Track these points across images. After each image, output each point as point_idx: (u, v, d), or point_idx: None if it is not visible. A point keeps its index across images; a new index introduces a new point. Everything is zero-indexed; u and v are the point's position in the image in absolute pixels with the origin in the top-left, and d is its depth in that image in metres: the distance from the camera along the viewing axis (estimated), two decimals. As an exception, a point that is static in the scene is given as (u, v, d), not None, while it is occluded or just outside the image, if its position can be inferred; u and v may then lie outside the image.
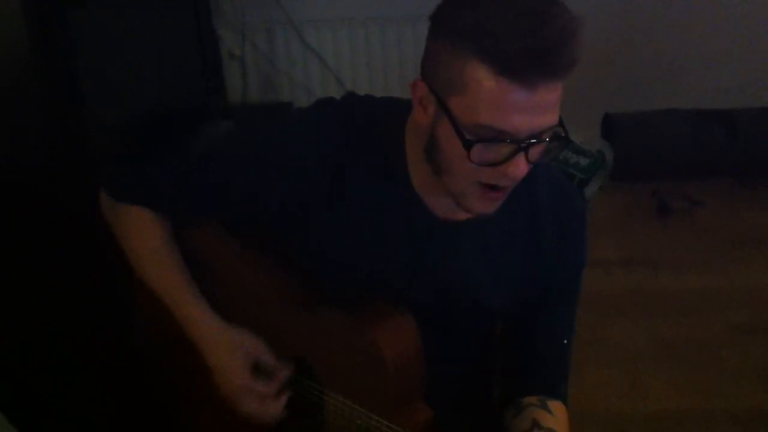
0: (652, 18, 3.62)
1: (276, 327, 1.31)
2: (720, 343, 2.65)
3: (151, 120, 2.33)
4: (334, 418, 1.29)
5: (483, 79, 0.97)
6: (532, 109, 0.98)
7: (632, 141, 3.69)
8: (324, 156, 1.18)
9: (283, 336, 1.31)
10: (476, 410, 1.39)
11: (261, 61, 3.61)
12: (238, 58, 3.57)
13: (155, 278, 1.34)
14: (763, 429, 2.30)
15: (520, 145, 1.00)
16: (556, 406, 1.28)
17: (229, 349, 1.30)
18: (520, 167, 1.02)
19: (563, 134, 1.05)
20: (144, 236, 1.33)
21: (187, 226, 1.36)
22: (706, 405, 2.40)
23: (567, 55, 0.96)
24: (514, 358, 1.33)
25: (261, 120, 1.28)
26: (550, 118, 1.01)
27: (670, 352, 2.63)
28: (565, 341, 1.33)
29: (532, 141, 1.01)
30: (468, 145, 1.00)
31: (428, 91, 1.05)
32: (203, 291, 1.34)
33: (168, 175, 1.29)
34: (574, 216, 1.28)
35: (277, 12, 3.45)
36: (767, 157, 3.60)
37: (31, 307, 1.87)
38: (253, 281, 1.33)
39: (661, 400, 2.42)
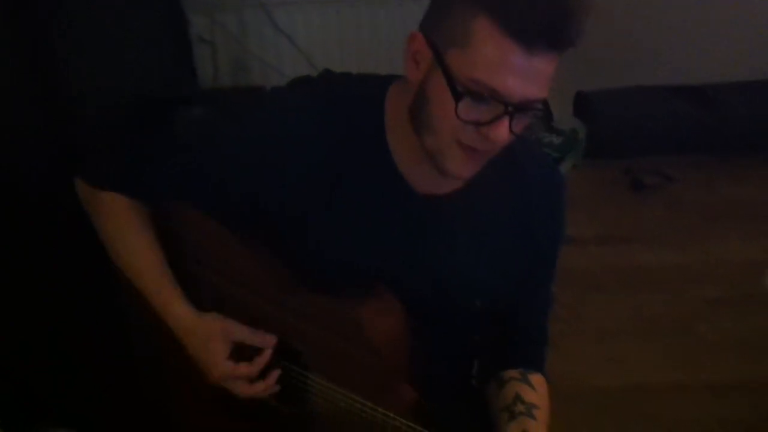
0: (622, -6, 3.63)
1: (264, 314, 1.30)
2: (696, 316, 2.69)
3: (122, 107, 2.30)
4: (323, 404, 1.28)
5: (488, 34, 0.99)
6: (527, 75, 1.00)
7: (605, 118, 3.71)
8: (302, 138, 1.16)
9: (272, 323, 1.30)
10: (468, 392, 1.39)
11: (231, 45, 3.57)
12: (208, 42, 3.52)
13: (131, 268, 1.32)
14: (740, 400, 2.33)
15: (508, 108, 1.01)
16: (537, 379, 1.30)
17: (203, 340, 1.29)
18: (502, 132, 1.03)
19: (546, 114, 1.06)
20: (121, 224, 1.31)
21: (171, 213, 1.34)
22: (684, 378, 2.43)
23: (570, 29, 0.99)
24: (495, 331, 1.34)
25: (237, 103, 1.26)
26: (540, 90, 1.02)
27: (648, 327, 2.66)
28: (545, 315, 1.36)
29: (520, 108, 1.02)
30: (458, 98, 1.02)
31: (425, 44, 1.06)
32: (188, 278, 1.32)
33: (144, 161, 1.26)
34: (560, 192, 1.30)
35: (247, -6, 3.42)
36: (741, 132, 3.64)
37: (21, 301, 1.84)
38: (238, 268, 1.31)
39: (640, 374, 2.45)
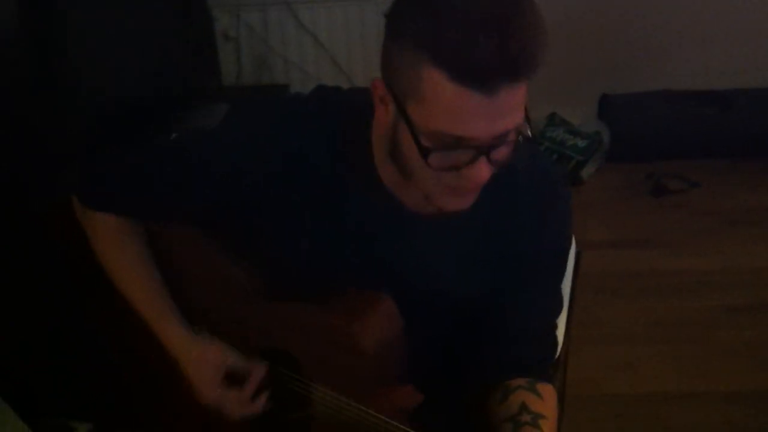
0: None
1: (259, 322, 1.31)
2: (715, 323, 2.66)
3: (143, 103, 2.32)
4: (321, 410, 1.28)
5: (440, 86, 0.93)
6: (493, 114, 0.94)
7: (629, 122, 3.70)
8: (293, 156, 1.15)
9: (266, 331, 1.31)
10: (463, 396, 1.37)
11: (255, 42, 3.59)
12: (232, 39, 3.55)
13: (125, 285, 1.34)
14: (759, 408, 2.31)
15: (480, 149, 0.98)
16: (544, 388, 1.23)
17: (197, 365, 1.30)
18: (481, 172, 0.99)
19: (527, 134, 1.02)
20: (113, 243, 1.33)
21: (161, 226, 1.35)
22: (701, 385, 2.40)
23: (527, 59, 0.92)
24: (499, 340, 1.28)
25: (231, 117, 1.25)
26: (512, 120, 0.97)
27: (666, 333, 2.64)
28: (550, 322, 1.30)
29: (493, 145, 0.98)
30: (425, 153, 0.98)
31: (387, 92, 1.01)
32: (180, 291, 1.34)
33: (136, 181, 1.27)
34: (556, 197, 1.24)
35: (272, -8, 3.43)
36: (762, 137, 3.60)
37: (24, 300, 1.86)
38: (231, 278, 1.32)
39: (656, 380, 2.43)
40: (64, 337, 1.92)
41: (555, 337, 1.31)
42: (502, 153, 1.00)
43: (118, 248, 1.32)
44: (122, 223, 1.31)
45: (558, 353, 1.50)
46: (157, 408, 1.49)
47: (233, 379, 1.30)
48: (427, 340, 1.27)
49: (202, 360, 1.30)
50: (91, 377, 1.77)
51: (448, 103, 0.93)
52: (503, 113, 0.95)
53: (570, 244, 1.32)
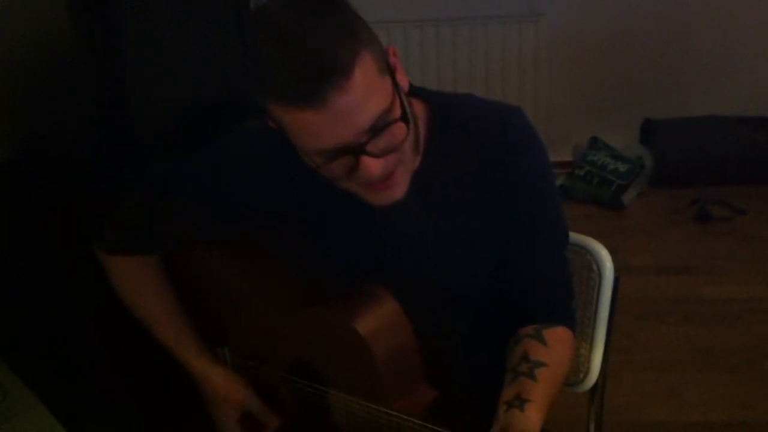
0: (693, 23, 3.59)
1: (275, 332, 1.34)
2: (761, 351, 2.61)
3: (194, 111, 2.34)
4: (344, 417, 1.29)
5: (283, 115, 1.00)
6: (339, 120, 0.98)
7: (672, 147, 3.66)
8: (284, 170, 1.20)
9: (283, 340, 1.33)
10: (482, 383, 1.33)
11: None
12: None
13: (148, 320, 1.41)
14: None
15: (354, 150, 1.01)
16: (551, 333, 1.19)
17: (219, 397, 1.40)
18: (370, 168, 1.03)
19: (399, 117, 1.03)
20: (129, 281, 1.39)
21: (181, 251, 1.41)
22: (746, 416, 2.35)
23: (331, 60, 0.95)
24: (508, 289, 1.26)
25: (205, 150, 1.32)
26: (365, 115, 0.99)
27: (710, 361, 2.60)
28: (556, 257, 1.26)
29: (362, 143, 1.01)
30: (314, 171, 1.06)
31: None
32: (203, 310, 1.41)
33: (155, 205, 1.32)
34: (513, 129, 1.21)
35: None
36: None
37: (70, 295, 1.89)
38: (246, 291, 1.36)
39: (699, 410, 2.39)
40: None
41: (566, 274, 1.27)
42: (384, 142, 1.03)
43: (134, 284, 1.39)
44: (138, 262, 1.38)
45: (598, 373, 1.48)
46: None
47: (250, 420, 1.39)
48: (438, 336, 1.25)
49: (226, 398, 1.39)
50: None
51: (297, 127, 1.00)
52: (349, 114, 0.98)
53: (546, 168, 1.25)
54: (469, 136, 1.19)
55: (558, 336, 1.20)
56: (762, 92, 3.65)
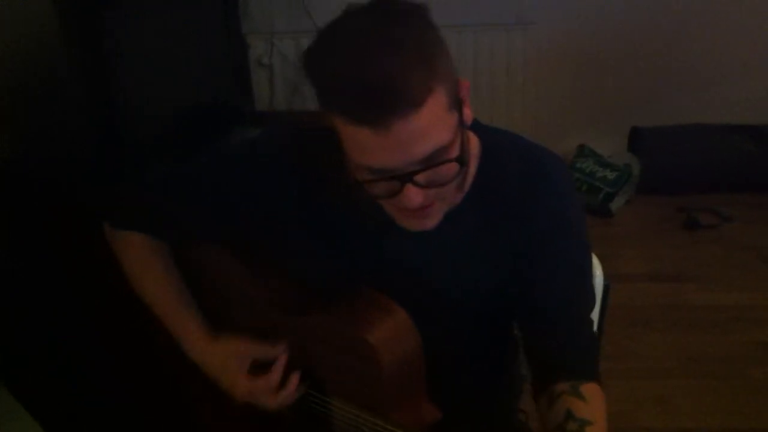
0: (680, 32, 3.62)
1: (275, 336, 1.33)
2: (749, 359, 2.62)
3: (182, 122, 2.35)
4: (343, 428, 1.29)
5: (343, 128, 1.01)
6: (396, 146, 0.98)
7: (659, 155, 3.68)
8: (288, 175, 1.21)
9: (291, 344, 1.32)
10: (488, 411, 1.33)
11: (288, 70, 3.62)
12: (266, 66, 3.59)
13: (149, 295, 1.38)
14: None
15: (401, 178, 1.02)
16: (589, 389, 1.18)
17: (220, 361, 1.33)
18: (411, 197, 1.03)
19: (455, 156, 1.04)
20: (137, 255, 1.38)
21: (186, 244, 1.40)
22: (735, 422, 2.36)
23: (404, 91, 0.95)
24: (535, 344, 1.25)
25: (237, 146, 1.32)
26: (423, 147, 1.00)
27: (699, 368, 2.61)
28: (583, 316, 1.25)
29: (412, 172, 1.01)
30: (357, 185, 1.05)
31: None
32: (205, 309, 1.38)
33: (159, 203, 1.33)
34: (544, 177, 1.21)
35: (306, 22, 3.45)
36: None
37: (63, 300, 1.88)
38: (251, 295, 1.36)
39: (690, 416, 2.39)
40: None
41: (592, 333, 1.27)
42: (433, 175, 1.03)
43: (141, 258, 1.37)
44: (146, 239, 1.37)
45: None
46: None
47: (261, 369, 1.31)
48: (445, 356, 1.25)
49: (227, 354, 1.33)
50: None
51: (354, 142, 1.01)
52: (407, 144, 0.98)
53: (582, 225, 1.25)
54: (502, 173, 1.20)
55: (593, 391, 1.19)
56: (749, 100, 3.67)
